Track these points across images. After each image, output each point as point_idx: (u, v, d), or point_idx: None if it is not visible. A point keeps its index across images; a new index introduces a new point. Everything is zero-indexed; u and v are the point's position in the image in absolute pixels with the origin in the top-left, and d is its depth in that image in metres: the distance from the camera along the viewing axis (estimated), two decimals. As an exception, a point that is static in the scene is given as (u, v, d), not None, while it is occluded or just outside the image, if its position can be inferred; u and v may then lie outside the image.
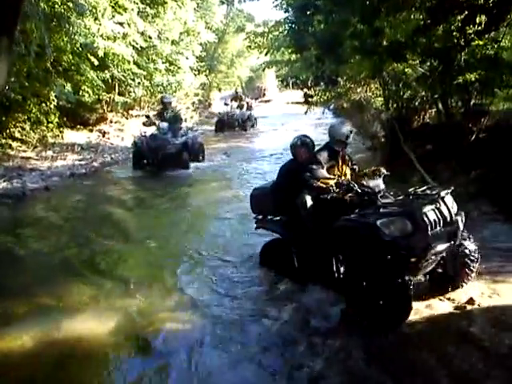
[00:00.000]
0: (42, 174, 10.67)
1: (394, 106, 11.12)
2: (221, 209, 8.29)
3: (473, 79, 7.95)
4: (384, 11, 7.38)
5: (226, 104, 20.72)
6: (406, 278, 3.95)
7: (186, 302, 4.79)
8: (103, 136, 15.92)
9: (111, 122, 17.30)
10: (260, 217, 5.54)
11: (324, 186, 4.71)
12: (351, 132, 5.09)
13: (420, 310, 4.30)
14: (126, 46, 14.77)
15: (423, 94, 10.11)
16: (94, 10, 13.41)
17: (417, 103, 10.77)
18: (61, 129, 14.26)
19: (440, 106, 9.14)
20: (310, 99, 12.95)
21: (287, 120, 21.36)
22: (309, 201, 4.84)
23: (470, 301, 4.32)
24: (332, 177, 4.86)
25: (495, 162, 7.46)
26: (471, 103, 8.58)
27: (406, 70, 9.72)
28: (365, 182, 4.67)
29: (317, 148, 5.26)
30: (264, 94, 41.83)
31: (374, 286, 4.04)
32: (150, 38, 16.28)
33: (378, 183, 4.67)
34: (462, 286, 4.63)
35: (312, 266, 4.80)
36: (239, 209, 7.61)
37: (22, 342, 4.02)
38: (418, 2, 7.58)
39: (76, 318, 4.43)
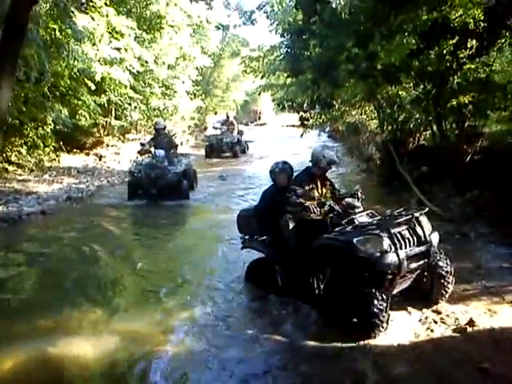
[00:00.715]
0: (38, 197, 10.64)
1: (389, 128, 11.24)
2: (218, 233, 8.26)
3: (466, 102, 8.08)
4: (378, 36, 7.52)
5: (214, 128, 20.40)
6: (381, 292, 4.15)
7: (176, 326, 4.72)
8: (100, 160, 15.97)
9: (108, 145, 17.37)
10: (247, 237, 5.73)
11: (306, 202, 4.91)
12: (332, 159, 5.28)
13: (420, 332, 4.30)
14: (122, 70, 14.94)
15: (418, 116, 10.24)
16: (91, 36, 13.65)
17: (411, 125, 10.91)
18: (57, 153, 14.32)
19: (435, 128, 9.25)
20: (305, 122, 13.05)
21: (283, 143, 21.45)
22: (291, 222, 5.06)
23: (470, 322, 4.31)
24: (314, 195, 5.08)
25: (490, 183, 7.52)
26: (465, 125, 8.68)
27: (400, 92, 9.87)
28: (344, 203, 4.94)
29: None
30: (259, 118, 42.36)
31: (350, 300, 4.23)
32: (147, 62, 16.46)
33: (357, 205, 4.95)
34: (439, 302, 4.78)
35: (294, 284, 4.98)
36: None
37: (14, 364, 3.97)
38: (410, 26, 7.74)
39: (67, 341, 4.36)
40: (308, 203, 4.90)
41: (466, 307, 4.74)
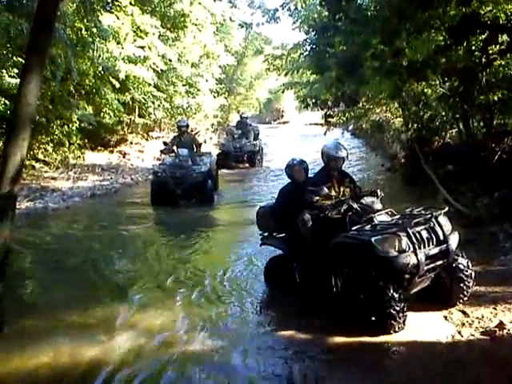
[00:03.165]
0: (63, 194, 10.82)
1: (414, 126, 11.05)
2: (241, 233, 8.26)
3: (495, 99, 7.87)
4: (404, 32, 7.39)
5: (228, 133, 17.63)
6: (399, 292, 4.14)
7: (195, 324, 4.71)
8: (123, 157, 16.14)
9: (131, 143, 17.55)
10: (265, 234, 5.72)
11: (325, 203, 4.90)
12: (346, 155, 5.20)
13: (449, 334, 4.20)
14: (146, 69, 15.04)
15: (444, 114, 10.04)
16: (116, 35, 13.78)
17: (437, 123, 10.70)
18: (82, 150, 14.53)
19: (461, 126, 9.05)
20: (329, 119, 12.92)
21: (306, 142, 21.17)
22: (309, 220, 5.04)
23: (500, 325, 4.19)
24: (332, 194, 5.04)
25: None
26: (493, 123, 8.46)
27: (426, 90, 9.69)
28: (364, 202, 4.93)
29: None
30: (282, 116, 42.26)
31: (367, 299, 4.22)
32: (170, 60, 16.52)
33: (376, 203, 4.93)
34: (460, 302, 4.71)
35: (312, 281, 4.99)
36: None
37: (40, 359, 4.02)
38: (438, 22, 7.58)
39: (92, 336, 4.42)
40: (325, 202, 4.89)
41: (494, 310, 4.60)
